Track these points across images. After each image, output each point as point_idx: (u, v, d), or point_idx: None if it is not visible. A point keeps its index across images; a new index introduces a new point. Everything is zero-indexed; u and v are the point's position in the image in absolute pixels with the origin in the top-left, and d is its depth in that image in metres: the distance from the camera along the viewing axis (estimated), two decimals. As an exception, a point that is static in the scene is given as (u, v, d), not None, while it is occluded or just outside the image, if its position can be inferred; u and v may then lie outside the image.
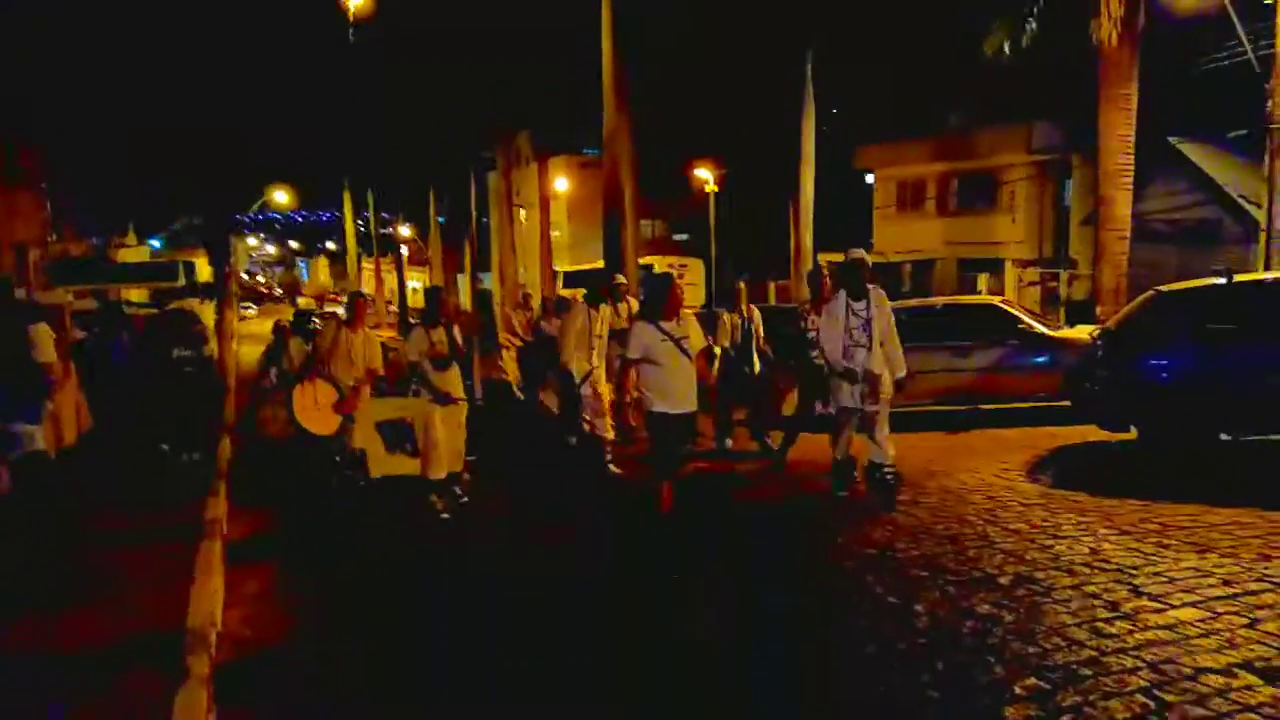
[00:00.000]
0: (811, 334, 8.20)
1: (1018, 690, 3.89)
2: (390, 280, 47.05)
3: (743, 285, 10.09)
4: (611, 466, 8.84)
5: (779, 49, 21.12)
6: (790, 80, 20.80)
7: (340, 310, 17.24)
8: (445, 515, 7.61)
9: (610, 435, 8.94)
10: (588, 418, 8.93)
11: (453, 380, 7.87)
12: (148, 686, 4.15)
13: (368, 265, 48.67)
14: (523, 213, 37.22)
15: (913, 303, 13.05)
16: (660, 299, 6.51)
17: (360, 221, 48.16)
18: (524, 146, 38.09)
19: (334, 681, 4.55)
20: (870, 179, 30.55)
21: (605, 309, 9.18)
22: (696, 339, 6.49)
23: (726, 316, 9.65)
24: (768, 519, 7.27)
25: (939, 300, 15.00)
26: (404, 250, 45.48)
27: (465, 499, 7.87)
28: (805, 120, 20.74)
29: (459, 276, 38.69)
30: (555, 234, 38.30)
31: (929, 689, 3.97)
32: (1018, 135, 25.19)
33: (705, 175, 32.06)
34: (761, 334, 9.72)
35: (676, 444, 6.59)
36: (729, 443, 9.85)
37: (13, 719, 4.15)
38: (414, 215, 44.71)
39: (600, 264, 19.49)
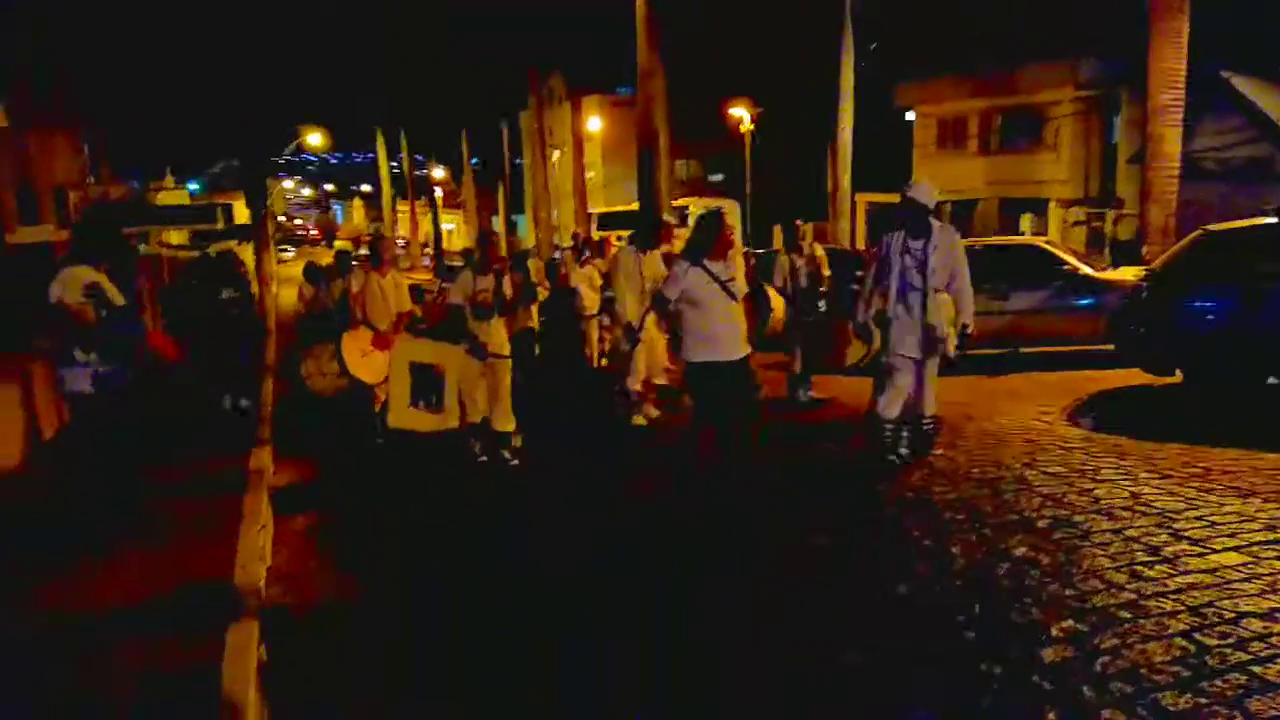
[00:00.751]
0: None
1: (1054, 632, 3.89)
2: (425, 223, 47.12)
3: (805, 225, 9.53)
4: (647, 414, 8.66)
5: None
6: (829, 15, 20.30)
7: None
8: (483, 458, 7.55)
9: (661, 379, 8.69)
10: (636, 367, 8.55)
11: (495, 333, 7.51)
12: (197, 638, 4.28)
13: (402, 208, 48.80)
14: (556, 153, 36.97)
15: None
16: (709, 237, 6.03)
17: (394, 164, 48.16)
18: (557, 86, 37.70)
19: (372, 637, 4.67)
20: (910, 117, 29.87)
21: (655, 253, 8.55)
22: (743, 282, 6.17)
23: (785, 258, 9.18)
24: (804, 462, 7.27)
25: (980, 241, 14.72)
26: (438, 192, 45.44)
27: (515, 461, 7.56)
28: (844, 56, 20.27)
29: (493, 218, 38.70)
30: (589, 175, 38.01)
31: (965, 630, 3.99)
32: (1063, 70, 24.43)
33: (741, 114, 31.58)
34: (826, 275, 9.25)
35: (725, 397, 6.03)
36: (802, 394, 9.27)
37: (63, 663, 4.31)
38: (447, 157, 44.60)
39: (635, 205, 19.37)
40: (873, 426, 6.81)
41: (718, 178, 39.58)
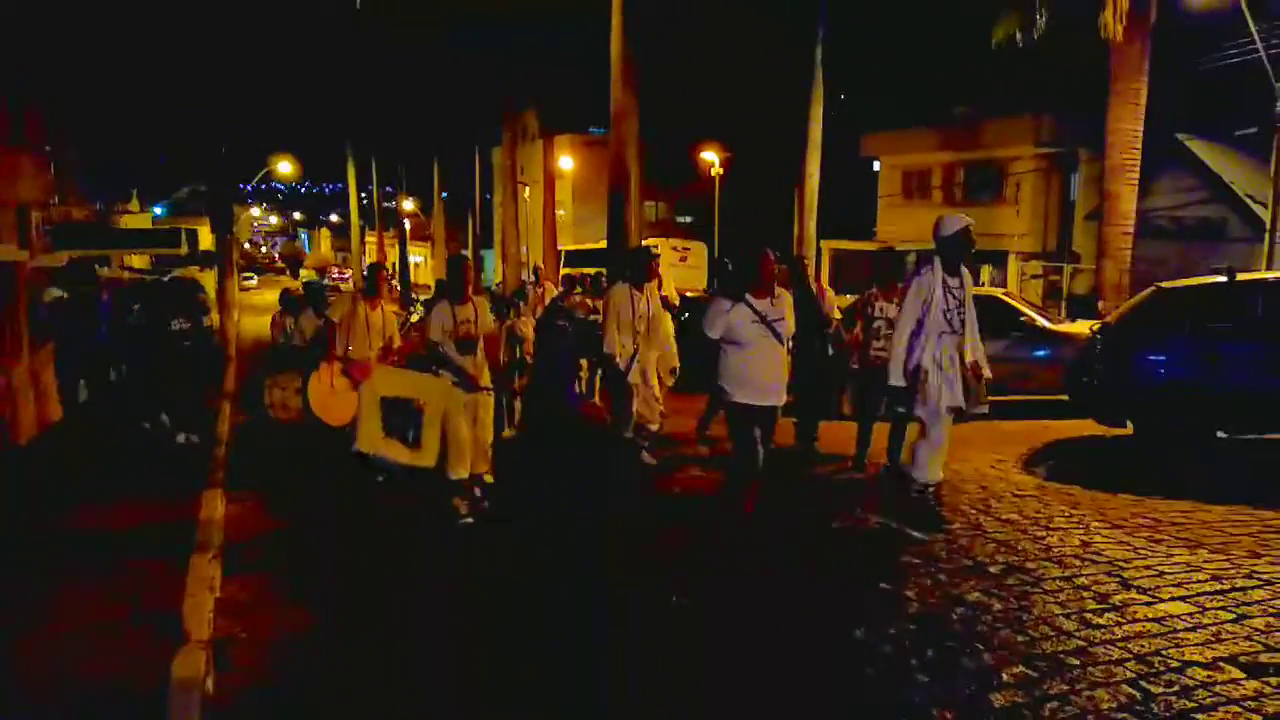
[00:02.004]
0: (878, 323, 7.57)
1: (1005, 677, 3.94)
2: (392, 254, 47.00)
3: (809, 261, 9.00)
4: (646, 456, 8.05)
5: (789, 32, 21.04)
6: (799, 64, 20.70)
7: (344, 283, 17.00)
8: (468, 520, 6.69)
9: (656, 426, 8.13)
10: (635, 407, 8.00)
11: (480, 367, 6.97)
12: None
13: (370, 238, 48.63)
14: (527, 190, 37.14)
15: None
16: (752, 272, 5.61)
17: (363, 194, 48.07)
18: (530, 123, 37.91)
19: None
20: (876, 166, 30.47)
21: (650, 288, 8.10)
22: (792, 324, 5.74)
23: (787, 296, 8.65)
24: (766, 504, 7.26)
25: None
26: (407, 224, 45.41)
27: (485, 503, 6.95)
28: (813, 105, 20.63)
29: (462, 252, 38.74)
30: (559, 212, 38.23)
31: (917, 674, 4.02)
32: (1025, 127, 25.16)
33: (711, 158, 32.00)
34: (837, 317, 8.84)
35: (761, 439, 5.73)
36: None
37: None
38: (417, 189, 44.63)
39: (603, 244, 19.50)
40: (901, 493, 6.19)
41: (686, 219, 39.95)
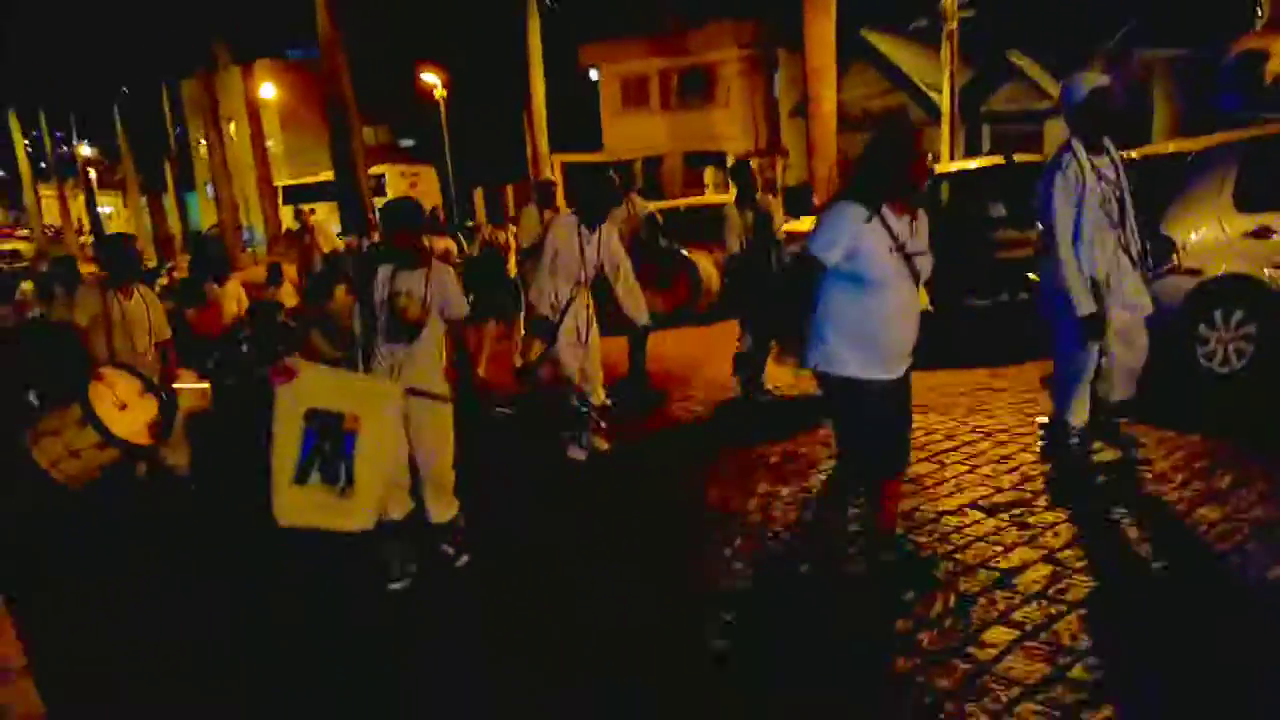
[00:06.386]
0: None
1: (780, 550, 4.58)
2: (77, 208, 42.17)
3: (756, 166, 7.56)
4: (598, 441, 6.36)
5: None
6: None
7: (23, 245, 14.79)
8: (402, 581, 4.54)
9: (599, 400, 6.30)
10: (575, 379, 6.19)
11: (422, 365, 4.51)
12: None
13: (46, 192, 43.19)
14: (231, 125, 34.35)
15: (655, 205, 13.70)
16: (895, 168, 3.56)
17: (27, 143, 42.43)
18: (221, 52, 34.92)
19: None
20: (595, 76, 30.88)
21: (611, 232, 6.15)
22: (929, 262, 3.72)
23: (736, 212, 7.21)
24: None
25: (681, 202, 15.91)
26: (92, 172, 40.75)
27: (464, 558, 4.73)
28: (529, 20, 20.61)
29: (163, 196, 35.49)
30: (268, 145, 35.72)
31: (732, 562, 4.53)
32: (729, 31, 26.41)
33: (433, 80, 31.04)
34: (782, 233, 7.51)
35: (893, 432, 3.88)
36: (770, 388, 7.56)
37: None
38: (97, 133, 40.02)
39: (325, 175, 18.67)
40: (1058, 442, 4.97)
41: (409, 143, 38.69)
